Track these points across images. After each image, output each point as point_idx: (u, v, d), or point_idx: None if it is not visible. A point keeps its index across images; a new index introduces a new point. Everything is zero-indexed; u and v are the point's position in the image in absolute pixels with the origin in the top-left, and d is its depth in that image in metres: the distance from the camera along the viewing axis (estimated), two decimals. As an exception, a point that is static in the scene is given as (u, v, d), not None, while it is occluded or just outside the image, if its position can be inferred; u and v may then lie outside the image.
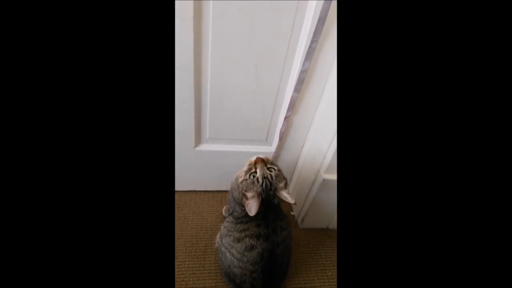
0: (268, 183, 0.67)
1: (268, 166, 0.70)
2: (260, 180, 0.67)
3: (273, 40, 0.70)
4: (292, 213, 1.08)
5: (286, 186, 0.70)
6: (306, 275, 0.88)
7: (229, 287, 0.76)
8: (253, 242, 0.67)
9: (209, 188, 1.07)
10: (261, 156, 0.72)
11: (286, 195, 0.68)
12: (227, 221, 0.76)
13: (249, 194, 0.67)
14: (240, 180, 0.70)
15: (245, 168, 0.71)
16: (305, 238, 1.00)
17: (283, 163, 1.00)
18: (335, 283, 0.87)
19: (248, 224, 0.70)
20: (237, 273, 0.70)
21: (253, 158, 0.72)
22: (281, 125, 0.86)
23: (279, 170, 0.71)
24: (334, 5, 0.62)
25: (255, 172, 0.69)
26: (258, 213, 0.67)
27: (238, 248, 0.69)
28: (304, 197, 0.96)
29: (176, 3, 0.60)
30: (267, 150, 0.95)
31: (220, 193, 1.08)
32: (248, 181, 0.68)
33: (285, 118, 0.84)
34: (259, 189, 0.66)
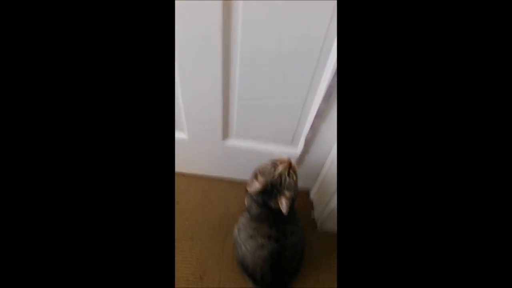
0: (278, 182, 0.71)
1: (290, 172, 0.74)
2: (276, 174, 0.71)
3: (303, 53, 0.71)
4: (312, 216, 1.11)
5: (289, 198, 0.72)
6: (317, 275, 0.92)
7: (243, 274, 0.84)
8: (264, 242, 0.73)
9: (235, 177, 1.15)
10: (292, 161, 0.77)
11: (283, 202, 0.70)
12: (244, 217, 0.83)
13: (259, 177, 0.72)
14: (263, 165, 0.75)
15: (274, 157, 0.76)
16: (322, 241, 1.03)
17: (308, 166, 1.03)
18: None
19: (261, 224, 0.76)
20: (249, 264, 0.78)
21: (286, 157, 0.76)
22: (307, 131, 0.89)
23: (295, 182, 0.74)
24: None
25: (278, 166, 0.74)
26: (269, 216, 0.73)
27: (251, 244, 0.76)
28: (325, 203, 0.99)
29: (205, 3, 0.60)
30: (292, 151, 0.98)
31: (244, 184, 1.15)
32: (269, 167, 0.73)
33: (312, 126, 0.86)
34: (269, 179, 0.71)
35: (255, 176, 0.75)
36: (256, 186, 0.72)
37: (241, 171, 1.12)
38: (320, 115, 0.82)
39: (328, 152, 0.98)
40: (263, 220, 0.76)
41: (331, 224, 1.02)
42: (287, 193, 0.72)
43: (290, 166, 0.75)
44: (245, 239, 0.78)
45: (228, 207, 1.07)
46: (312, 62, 0.72)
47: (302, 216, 1.08)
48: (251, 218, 0.79)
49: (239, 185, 1.15)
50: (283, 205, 0.70)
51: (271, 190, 0.72)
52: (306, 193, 1.17)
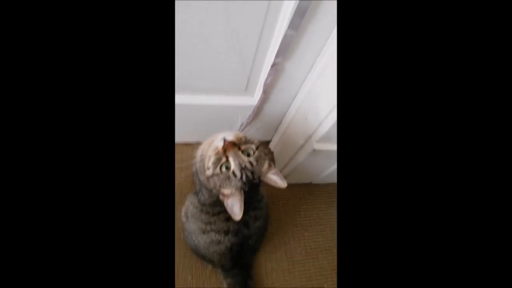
0: (249, 174, 0.50)
1: (243, 148, 0.51)
2: (238, 173, 0.49)
3: None
4: (273, 167, 0.97)
5: (271, 165, 0.52)
6: (282, 236, 0.85)
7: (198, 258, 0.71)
8: (219, 238, 0.57)
9: (175, 140, 0.90)
10: (230, 137, 0.51)
11: (275, 178, 0.52)
12: (192, 203, 0.62)
13: (226, 191, 0.50)
14: (208, 173, 0.50)
15: (212, 158, 0.51)
16: (284, 195, 0.92)
17: (267, 117, 0.81)
18: (311, 244, 0.85)
19: (214, 217, 0.57)
20: (204, 255, 0.63)
21: (220, 144, 0.50)
22: (265, 75, 0.63)
23: (257, 146, 0.53)
24: None
25: (228, 162, 0.50)
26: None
27: (204, 239, 0.59)
28: (287, 158, 0.83)
29: None
30: (248, 102, 0.73)
31: (189, 146, 0.91)
32: (221, 176, 0.49)
33: (273, 65, 0.59)
34: (239, 184, 0.49)
35: (223, 196, 0.51)
36: (238, 204, 0.49)
37: (187, 134, 0.85)
38: (287, 48, 0.55)
39: (292, 97, 0.76)
40: (218, 212, 0.57)
41: (294, 178, 0.91)
42: (265, 166, 0.52)
43: (234, 145, 0.50)
44: (196, 232, 0.60)
45: (177, 175, 0.85)
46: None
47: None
48: (202, 207, 0.59)
49: (186, 149, 0.90)
50: (277, 180, 0.52)
51: (251, 185, 0.51)
52: (266, 142, 1.00)
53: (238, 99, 0.72)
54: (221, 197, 0.52)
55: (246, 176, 0.49)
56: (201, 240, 0.60)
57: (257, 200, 0.60)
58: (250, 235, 0.59)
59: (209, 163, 0.50)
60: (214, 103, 0.72)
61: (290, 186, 0.92)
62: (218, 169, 0.49)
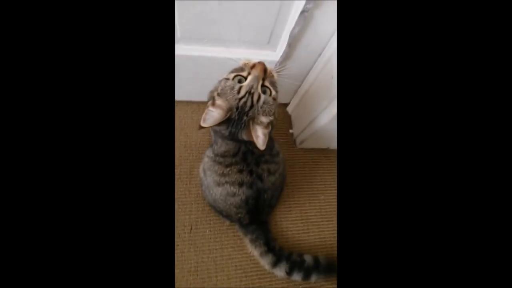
0: (249, 104, 0.48)
1: (265, 84, 0.49)
2: (243, 92, 0.48)
3: None
4: (291, 131, 0.94)
5: (268, 126, 0.50)
6: (297, 199, 0.85)
7: (216, 213, 0.72)
8: (235, 190, 0.56)
9: (191, 98, 0.86)
10: (267, 64, 0.50)
11: (259, 134, 0.49)
12: (208, 156, 0.61)
13: (218, 101, 0.49)
14: (221, 78, 0.51)
15: (237, 65, 0.51)
16: (302, 159, 0.91)
17: (287, 76, 0.76)
18: (326, 207, 0.86)
19: (228, 168, 0.56)
20: (222, 209, 0.64)
21: (254, 60, 0.50)
22: (293, 24, 0.57)
23: (274, 99, 0.50)
24: None
25: (245, 77, 0.49)
26: (239, 154, 0.52)
27: (220, 192, 0.59)
28: (307, 122, 0.80)
29: None
30: (270, 57, 0.68)
31: (205, 104, 0.88)
32: (229, 82, 0.49)
33: (302, 12, 0.53)
34: (233, 103, 0.48)
35: (212, 101, 0.49)
36: (214, 118, 0.47)
37: (197, 91, 0.81)
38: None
39: (318, 53, 0.70)
40: (231, 162, 0.56)
41: (312, 143, 0.88)
42: (263, 119, 0.49)
43: (263, 71, 0.49)
44: (212, 185, 0.60)
45: (189, 137, 0.84)
46: None
47: (277, 133, 0.91)
48: (216, 158, 0.58)
49: (199, 107, 0.87)
50: (260, 137, 0.48)
51: (239, 117, 0.49)
52: (283, 105, 0.96)
53: (259, 53, 0.67)
54: (208, 104, 0.50)
55: (245, 102, 0.48)
56: (217, 192, 0.60)
57: (269, 154, 0.59)
58: (265, 189, 0.59)
59: (230, 74, 0.51)
60: (233, 56, 0.67)
61: (307, 150, 0.91)
62: (232, 75, 0.50)
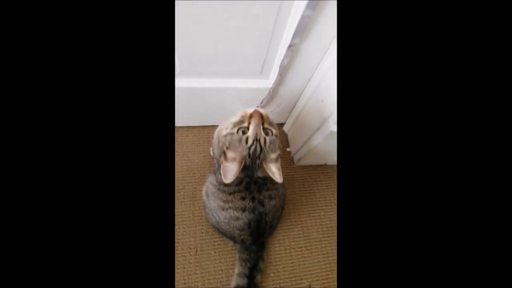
0: (258, 149, 0.52)
1: (266, 126, 0.53)
2: (250, 141, 0.52)
3: None
4: (288, 149, 0.98)
5: (278, 159, 0.55)
6: (298, 216, 0.87)
7: (220, 235, 0.75)
8: (237, 214, 0.60)
9: (191, 123, 0.92)
10: (261, 110, 0.54)
11: (274, 171, 0.54)
12: (211, 183, 0.65)
13: (230, 154, 0.53)
14: (224, 132, 0.54)
15: (235, 119, 0.54)
16: (300, 176, 0.94)
17: (281, 100, 0.81)
18: (327, 223, 0.88)
19: (231, 196, 0.60)
20: (225, 231, 0.67)
21: (249, 110, 0.54)
22: (281, 57, 0.62)
23: (276, 135, 0.55)
24: None
25: (247, 128, 0.53)
26: (240, 183, 0.56)
27: (224, 215, 0.62)
28: (303, 141, 0.84)
29: None
30: (263, 85, 0.74)
31: (205, 129, 0.93)
32: (235, 136, 0.52)
33: (289, 46, 0.59)
34: (245, 152, 0.52)
35: (223, 155, 0.53)
36: (234, 171, 0.52)
37: (198, 117, 0.87)
38: (304, 28, 0.55)
39: (308, 79, 0.75)
40: (234, 190, 0.60)
41: (310, 160, 0.92)
42: (272, 156, 0.54)
43: (261, 117, 0.53)
44: (216, 209, 0.63)
45: (191, 160, 0.88)
46: None
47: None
48: (219, 187, 0.62)
49: (199, 131, 0.92)
50: (275, 173, 0.53)
51: (252, 162, 0.53)
52: (280, 125, 1.00)
53: (253, 82, 0.73)
54: (221, 160, 0.54)
55: (255, 149, 0.52)
56: (221, 216, 0.63)
57: (271, 182, 0.63)
58: (266, 213, 0.62)
59: (230, 124, 0.54)
60: (230, 86, 0.72)
61: (305, 167, 0.95)
62: (235, 129, 0.53)
